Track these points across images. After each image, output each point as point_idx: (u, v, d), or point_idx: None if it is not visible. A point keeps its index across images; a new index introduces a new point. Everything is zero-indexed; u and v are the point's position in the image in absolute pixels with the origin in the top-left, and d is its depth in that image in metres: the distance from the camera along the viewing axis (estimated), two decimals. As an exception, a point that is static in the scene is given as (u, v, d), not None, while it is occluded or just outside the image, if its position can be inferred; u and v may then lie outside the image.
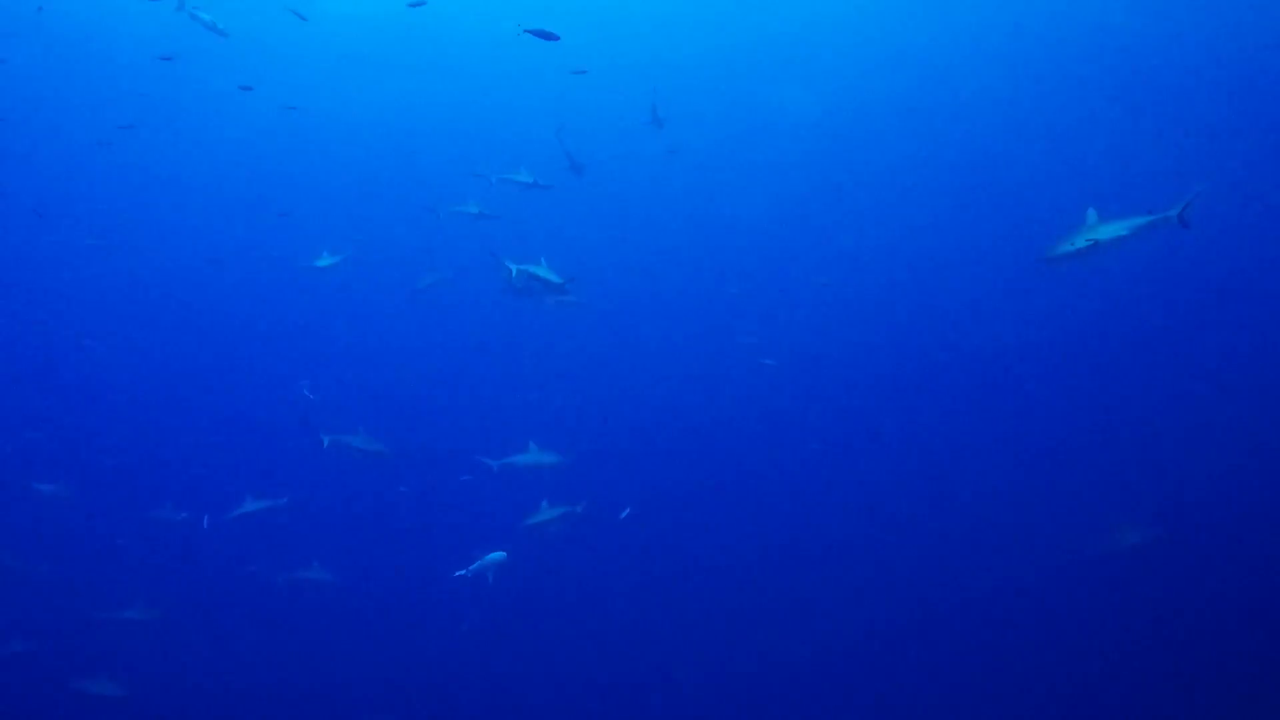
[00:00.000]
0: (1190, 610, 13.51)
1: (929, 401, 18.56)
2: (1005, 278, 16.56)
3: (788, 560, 16.53)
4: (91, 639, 14.70)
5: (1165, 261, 16.20)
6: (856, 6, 21.42)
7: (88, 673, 13.99)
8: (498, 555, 12.02)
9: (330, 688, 15.06)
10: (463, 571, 12.11)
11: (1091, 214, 8.26)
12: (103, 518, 16.36)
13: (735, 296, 18.23)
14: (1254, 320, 17.03)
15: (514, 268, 12.21)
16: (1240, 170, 17.19)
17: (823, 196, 22.76)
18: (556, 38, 10.99)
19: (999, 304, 18.42)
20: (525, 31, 10.99)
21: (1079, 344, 18.21)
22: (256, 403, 19.02)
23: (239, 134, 22.40)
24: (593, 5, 21.51)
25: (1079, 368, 18.00)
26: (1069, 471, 16.26)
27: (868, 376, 19.22)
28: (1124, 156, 19.09)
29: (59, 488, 15.82)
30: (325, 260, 16.70)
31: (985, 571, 15.06)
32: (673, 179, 22.88)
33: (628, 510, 14.14)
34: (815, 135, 23.04)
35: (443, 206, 16.27)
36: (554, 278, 12.43)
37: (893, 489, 17.18)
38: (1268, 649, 12.34)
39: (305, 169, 23.18)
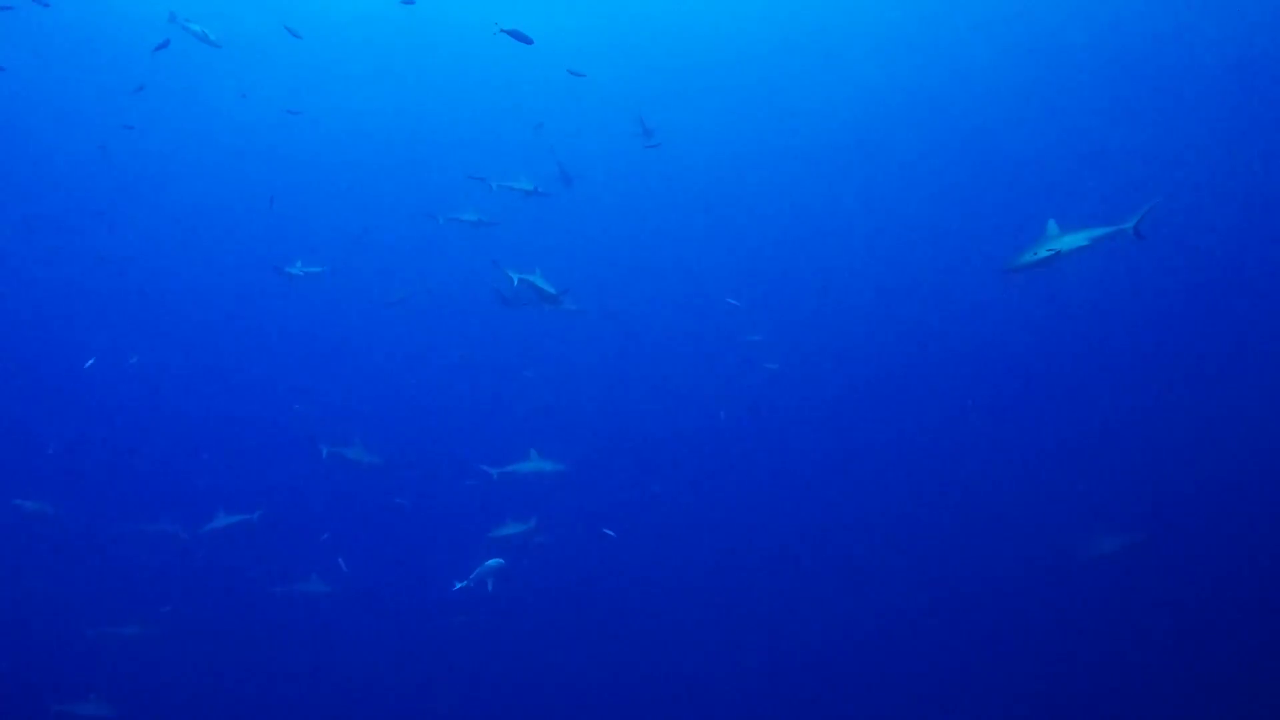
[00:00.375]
0: (1172, 613, 14.45)
1: (929, 404, 19.43)
2: (997, 284, 17.50)
3: (784, 562, 17.39)
4: (86, 656, 15.39)
5: (1151, 273, 17.40)
6: (847, 13, 22.54)
7: (78, 692, 14.28)
8: (495, 562, 12.85)
9: (330, 703, 15.83)
10: (463, 583, 12.95)
11: (1052, 225, 9.16)
12: (96, 532, 16.97)
13: (737, 308, 19.06)
14: (1233, 327, 18.06)
15: (515, 276, 13.20)
16: (1211, 178, 18.49)
17: (823, 199, 23.69)
18: (530, 41, 11.94)
19: (998, 307, 19.46)
20: (501, 31, 11.93)
21: (1076, 348, 19.27)
22: (257, 414, 19.89)
23: (237, 140, 23.27)
24: (595, 7, 22.55)
25: (1071, 374, 19.00)
26: (1055, 477, 17.10)
27: (865, 381, 20.16)
28: (1094, 166, 20.33)
29: (42, 505, 16.15)
30: (299, 269, 17.08)
31: (974, 576, 16.00)
32: (670, 185, 23.89)
33: (612, 533, 15.18)
34: (815, 138, 23.98)
35: (441, 213, 16.99)
36: (549, 288, 13.43)
37: (887, 492, 18.03)
38: (1249, 649, 13.33)
39: (306, 174, 24.00)
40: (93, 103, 21.78)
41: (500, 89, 22.96)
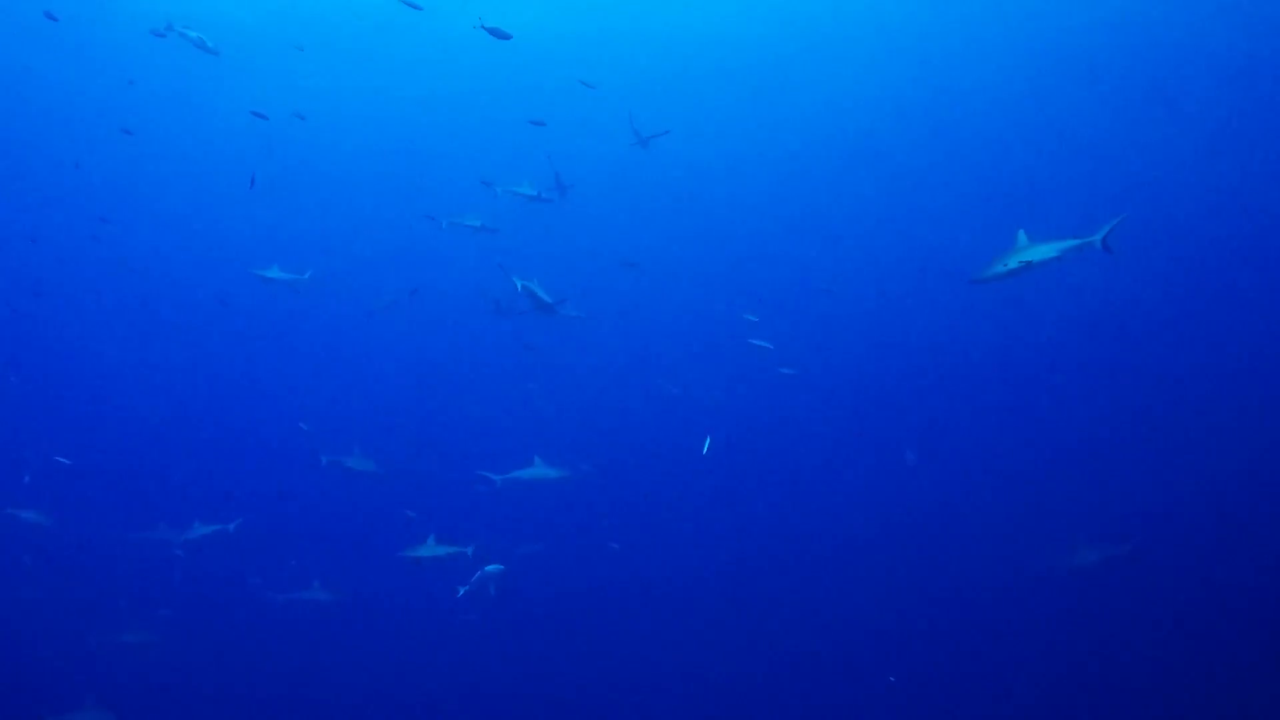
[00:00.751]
0: (1157, 624, 15.20)
1: (914, 416, 20.27)
2: (983, 296, 18.21)
3: (778, 567, 18.21)
4: (83, 664, 16.13)
5: (1136, 287, 18.09)
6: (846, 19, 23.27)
7: (76, 699, 14.82)
8: (495, 568, 13.61)
9: (330, 710, 16.57)
10: (465, 588, 13.72)
11: (1022, 236, 9.59)
12: (94, 541, 17.80)
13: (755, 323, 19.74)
14: (1215, 338, 18.76)
15: (519, 283, 13.93)
16: (1181, 191, 19.17)
17: (821, 204, 24.47)
18: (509, 36, 12.66)
19: (983, 318, 20.23)
20: (481, 27, 12.57)
21: (1065, 359, 19.97)
22: (257, 421, 20.66)
23: (237, 145, 23.68)
24: (597, 12, 23.40)
25: (1059, 385, 19.71)
26: (1042, 488, 17.85)
27: (852, 391, 20.96)
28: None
29: (42, 516, 17.03)
30: (275, 273, 17.37)
31: (961, 587, 16.75)
32: (671, 191, 24.60)
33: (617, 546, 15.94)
34: (814, 144, 24.71)
35: (444, 218, 17.64)
36: (547, 296, 14.18)
37: (872, 505, 18.81)
38: (1235, 658, 14.01)
39: (311, 179, 24.82)
40: (93, 106, 22.59)
41: (503, 95, 23.57)
